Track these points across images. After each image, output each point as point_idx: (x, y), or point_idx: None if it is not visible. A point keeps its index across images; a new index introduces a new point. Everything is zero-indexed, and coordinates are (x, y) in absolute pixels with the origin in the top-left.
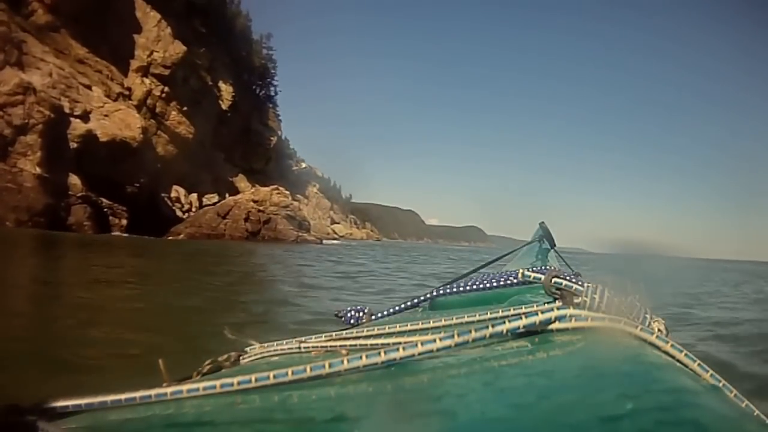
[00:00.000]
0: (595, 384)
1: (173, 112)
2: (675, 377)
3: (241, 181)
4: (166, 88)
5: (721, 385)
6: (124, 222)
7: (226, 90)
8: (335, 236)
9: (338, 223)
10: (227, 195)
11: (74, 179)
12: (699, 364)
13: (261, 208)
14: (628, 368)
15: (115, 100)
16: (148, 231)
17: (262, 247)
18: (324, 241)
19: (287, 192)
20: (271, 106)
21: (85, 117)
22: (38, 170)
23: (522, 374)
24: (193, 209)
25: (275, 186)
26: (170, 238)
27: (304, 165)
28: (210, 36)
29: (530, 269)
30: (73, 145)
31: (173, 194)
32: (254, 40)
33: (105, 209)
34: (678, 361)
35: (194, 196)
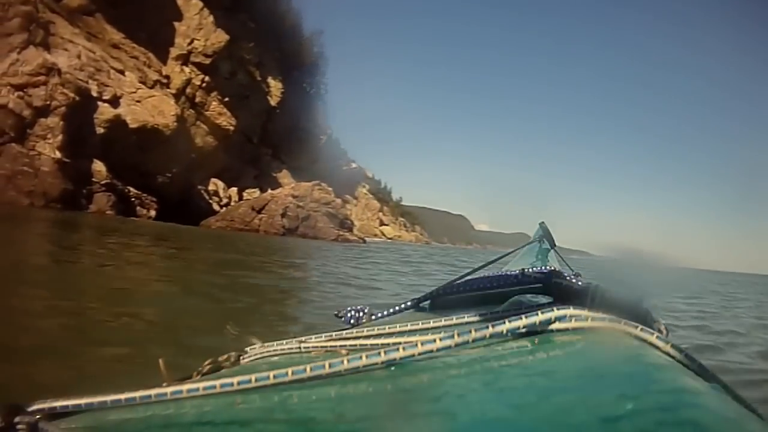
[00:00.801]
0: (595, 384)
1: (214, 103)
2: (675, 377)
3: (285, 177)
4: (207, 78)
5: (721, 385)
6: (153, 213)
7: (275, 86)
8: (383, 238)
9: (387, 225)
10: (270, 191)
11: (99, 166)
12: (699, 364)
13: (300, 203)
14: (628, 368)
15: (152, 87)
16: (179, 223)
17: (303, 243)
18: (366, 240)
19: (330, 189)
20: (321, 104)
21: (114, 102)
22: (58, 154)
23: (522, 374)
24: (232, 203)
25: (317, 182)
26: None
27: (354, 165)
28: (259, 32)
29: (530, 269)
30: (100, 130)
31: (211, 187)
32: (305, 38)
33: (132, 198)
34: (678, 361)
35: (234, 190)
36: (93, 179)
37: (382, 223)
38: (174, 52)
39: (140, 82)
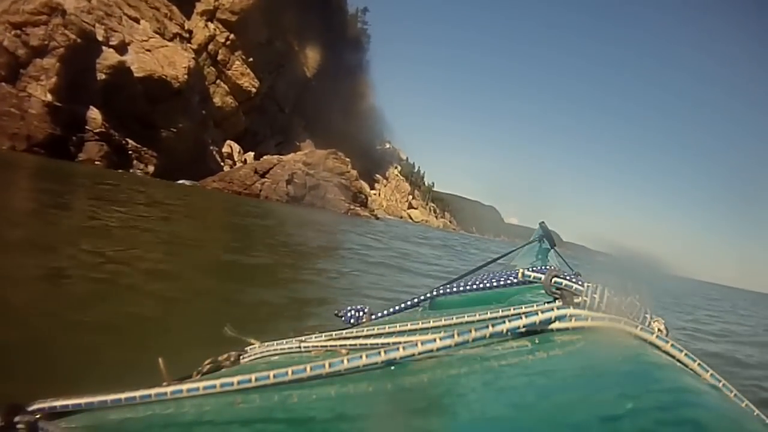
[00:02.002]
0: (595, 384)
1: (237, 62)
2: (675, 377)
3: (308, 148)
4: (232, 36)
5: (721, 384)
6: (151, 168)
7: (312, 57)
8: (409, 220)
9: (416, 209)
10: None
11: (94, 113)
12: (699, 364)
13: (311, 171)
14: (628, 368)
15: (170, 40)
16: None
17: (302, 213)
18: (380, 217)
19: (347, 159)
20: (360, 81)
21: (121, 48)
22: (49, 97)
23: (522, 374)
24: None
25: (333, 150)
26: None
27: (388, 145)
28: (302, 2)
29: (530, 269)
30: (101, 76)
31: (225, 149)
32: (349, 13)
33: (130, 151)
34: (678, 360)
35: (251, 155)
36: (87, 127)
37: (411, 206)
38: (200, 7)
39: (157, 33)
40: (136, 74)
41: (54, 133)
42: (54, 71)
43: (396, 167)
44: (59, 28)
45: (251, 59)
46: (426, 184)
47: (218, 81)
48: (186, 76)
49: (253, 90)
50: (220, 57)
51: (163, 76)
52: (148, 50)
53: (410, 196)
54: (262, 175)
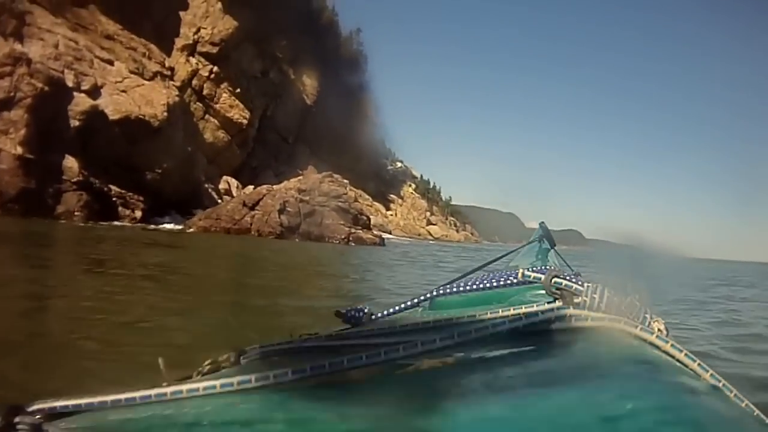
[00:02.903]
0: (595, 384)
1: (224, 95)
2: (675, 377)
3: (312, 174)
4: (215, 68)
5: (721, 385)
6: (138, 214)
7: (311, 84)
8: (429, 237)
9: (435, 225)
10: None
11: (70, 162)
12: (699, 364)
13: (305, 198)
14: (627, 368)
15: (150, 79)
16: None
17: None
18: (386, 240)
19: (344, 181)
20: (363, 103)
21: (94, 92)
22: (19, 150)
23: (522, 374)
24: None
25: (328, 172)
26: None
27: (399, 165)
28: (294, 30)
29: (530, 269)
30: (75, 123)
31: (222, 185)
32: (343, 35)
33: (114, 198)
34: (678, 360)
35: (250, 188)
36: (63, 177)
37: (429, 223)
38: (179, 42)
39: (135, 73)
40: (111, 117)
41: (28, 187)
42: (23, 123)
43: (410, 185)
44: (25, 77)
45: (239, 90)
46: (443, 198)
47: (207, 116)
48: (165, 114)
49: (245, 121)
50: (206, 91)
51: (141, 116)
52: (123, 91)
53: (428, 213)
54: (252, 208)
